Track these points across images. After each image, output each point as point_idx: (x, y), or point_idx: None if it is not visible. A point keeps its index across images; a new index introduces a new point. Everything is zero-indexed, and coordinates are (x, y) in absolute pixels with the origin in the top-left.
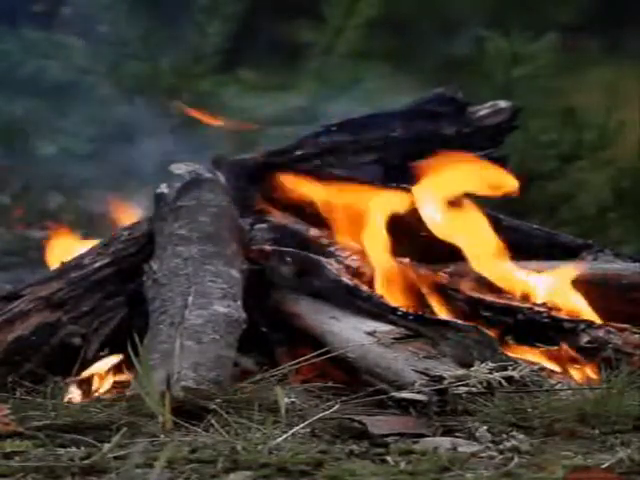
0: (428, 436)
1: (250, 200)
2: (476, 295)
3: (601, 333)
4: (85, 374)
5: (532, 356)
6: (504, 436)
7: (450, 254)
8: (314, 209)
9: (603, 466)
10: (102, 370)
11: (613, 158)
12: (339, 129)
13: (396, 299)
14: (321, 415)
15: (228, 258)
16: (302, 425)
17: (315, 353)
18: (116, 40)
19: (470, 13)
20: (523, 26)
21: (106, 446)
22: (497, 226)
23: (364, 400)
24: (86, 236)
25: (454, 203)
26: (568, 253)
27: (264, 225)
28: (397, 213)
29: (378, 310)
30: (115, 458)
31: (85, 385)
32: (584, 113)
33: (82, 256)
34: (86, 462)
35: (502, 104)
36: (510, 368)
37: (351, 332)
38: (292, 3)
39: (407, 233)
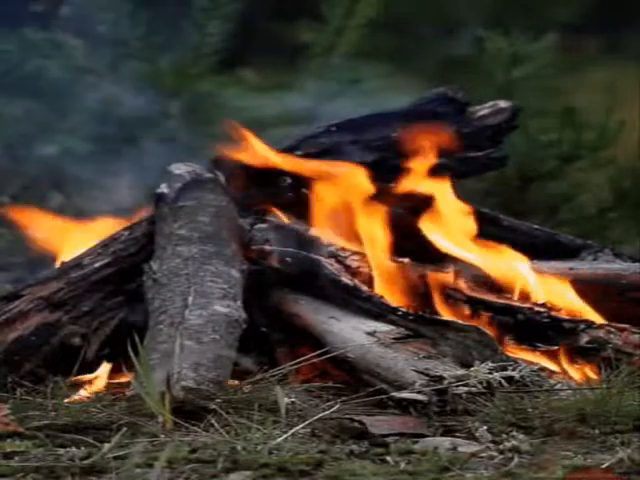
0: (428, 436)
1: (250, 200)
2: (476, 295)
3: (601, 333)
4: (85, 375)
5: (532, 356)
6: (504, 436)
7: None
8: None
9: (603, 466)
10: (102, 371)
11: (613, 158)
12: (339, 129)
13: (396, 299)
14: (321, 415)
15: (228, 258)
16: (302, 425)
17: (315, 353)
18: (116, 40)
19: (470, 13)
20: (523, 26)
21: (106, 446)
22: (497, 226)
23: (364, 400)
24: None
25: None
26: (568, 253)
27: (264, 225)
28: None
29: (378, 310)
30: (115, 458)
31: (85, 385)
32: (584, 113)
33: (82, 256)
34: (86, 462)
35: (502, 104)
36: (510, 368)
37: (351, 332)
38: (292, 3)
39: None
